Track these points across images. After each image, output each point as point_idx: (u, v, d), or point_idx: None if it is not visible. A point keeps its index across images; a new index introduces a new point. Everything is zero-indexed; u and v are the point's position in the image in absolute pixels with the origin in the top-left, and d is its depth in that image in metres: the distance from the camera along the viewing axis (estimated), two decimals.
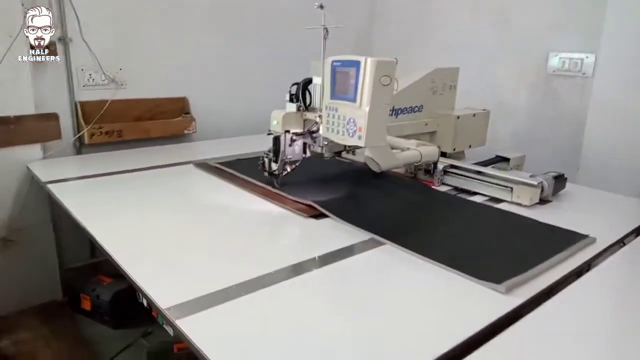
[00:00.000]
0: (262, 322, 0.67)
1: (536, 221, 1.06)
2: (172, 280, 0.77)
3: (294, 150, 1.19)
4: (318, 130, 1.17)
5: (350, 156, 1.46)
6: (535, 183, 1.16)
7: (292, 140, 1.18)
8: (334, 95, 1.08)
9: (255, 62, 2.07)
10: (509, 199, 1.19)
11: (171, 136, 1.82)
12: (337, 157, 1.26)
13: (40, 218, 1.55)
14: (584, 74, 1.74)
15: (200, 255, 0.87)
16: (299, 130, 1.20)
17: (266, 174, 1.22)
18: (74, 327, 1.51)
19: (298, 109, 1.19)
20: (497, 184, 1.22)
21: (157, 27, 1.77)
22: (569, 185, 1.29)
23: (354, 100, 1.02)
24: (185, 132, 1.85)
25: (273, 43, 2.08)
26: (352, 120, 1.04)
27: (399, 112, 1.40)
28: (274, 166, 1.19)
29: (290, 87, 1.20)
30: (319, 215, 1.05)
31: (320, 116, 1.14)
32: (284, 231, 1.04)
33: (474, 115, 1.54)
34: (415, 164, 1.29)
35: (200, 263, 0.84)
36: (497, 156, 1.48)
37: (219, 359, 0.58)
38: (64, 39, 1.56)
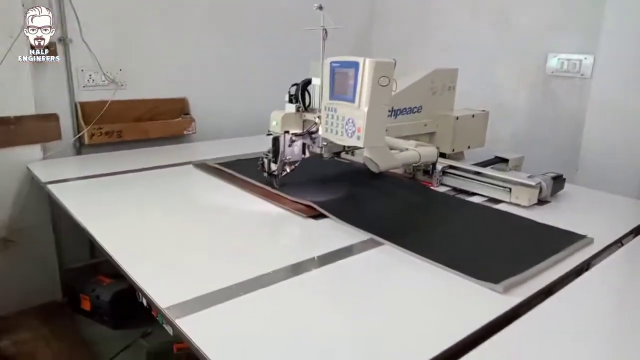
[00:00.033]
0: (261, 322, 0.67)
1: (534, 221, 1.06)
2: (172, 280, 0.77)
3: (293, 151, 1.19)
4: (317, 130, 1.17)
5: (349, 157, 1.46)
6: (534, 184, 1.17)
7: (292, 141, 1.18)
8: (332, 96, 1.08)
9: (255, 62, 2.07)
10: (507, 199, 1.20)
11: (171, 137, 1.82)
12: (336, 158, 1.27)
13: (40, 218, 1.55)
14: (582, 75, 1.75)
15: (199, 255, 0.87)
16: (298, 131, 1.20)
17: (265, 174, 1.23)
18: (73, 328, 1.51)
19: (297, 110, 1.20)
20: (495, 185, 1.22)
21: (157, 28, 1.78)
22: (567, 186, 1.29)
23: (352, 100, 1.03)
24: (185, 132, 1.85)
25: (273, 43, 2.09)
26: (350, 120, 1.04)
27: (398, 112, 1.41)
28: (274, 167, 1.20)
29: (290, 88, 1.21)
30: (318, 216, 1.05)
31: (319, 117, 1.15)
32: (283, 231, 1.04)
33: (473, 116, 1.54)
34: (414, 164, 1.29)
35: (200, 263, 0.84)
36: (496, 157, 1.49)
37: (219, 358, 0.58)
38: (64, 40, 1.57)
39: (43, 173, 1.35)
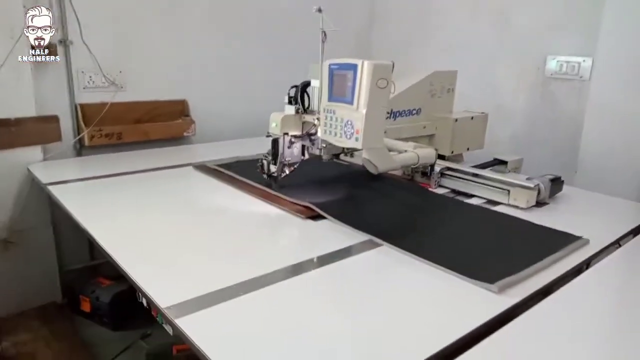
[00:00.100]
0: (261, 322, 0.67)
1: (530, 223, 1.07)
2: (172, 281, 0.78)
3: (292, 153, 1.20)
4: (316, 132, 1.18)
5: (348, 158, 1.47)
6: (532, 186, 1.17)
7: (291, 143, 1.19)
8: (331, 98, 1.09)
9: (255, 62, 2.07)
10: (505, 201, 1.20)
11: (170, 138, 1.83)
12: (335, 160, 1.28)
13: (41, 220, 1.55)
14: (581, 77, 1.75)
15: (199, 256, 0.88)
16: (298, 133, 1.21)
17: (265, 176, 1.23)
18: (73, 329, 1.51)
19: (297, 112, 1.20)
20: (494, 187, 1.23)
21: (156, 28, 1.78)
22: (566, 188, 1.30)
23: (351, 102, 1.03)
24: (185, 134, 1.86)
25: (273, 43, 2.09)
26: (349, 122, 1.05)
27: (397, 114, 1.41)
28: (273, 168, 1.20)
29: (289, 90, 1.21)
30: (317, 217, 1.06)
31: (318, 119, 1.15)
32: (283, 232, 1.05)
33: (472, 118, 1.55)
34: (412, 166, 1.29)
35: (200, 264, 0.85)
36: (495, 159, 1.49)
37: (218, 357, 0.58)
38: (64, 42, 1.57)
39: (43, 174, 1.36)
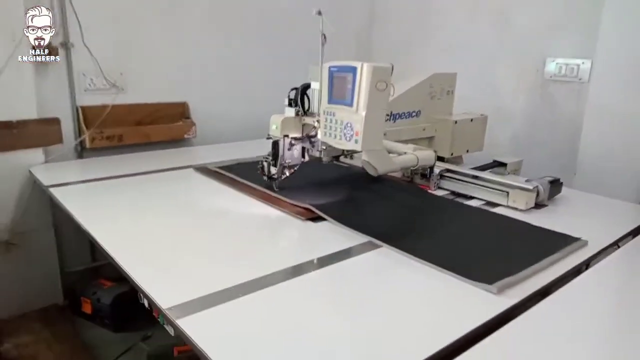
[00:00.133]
0: (261, 322, 0.68)
1: (529, 224, 1.07)
2: (173, 282, 0.78)
3: (292, 155, 1.21)
4: (316, 134, 1.18)
5: (348, 160, 1.47)
6: (531, 187, 1.18)
7: (291, 145, 1.20)
8: (331, 100, 1.09)
9: (255, 63, 2.08)
10: (505, 203, 1.20)
11: (171, 141, 1.84)
12: (335, 162, 1.28)
13: (42, 222, 1.56)
14: (580, 79, 1.76)
15: (200, 258, 0.88)
16: (298, 135, 1.21)
17: (265, 178, 1.24)
18: (74, 331, 1.52)
19: (297, 114, 1.21)
20: (493, 189, 1.23)
21: (157, 29, 1.79)
22: (565, 190, 1.30)
23: (350, 105, 1.04)
24: (185, 136, 1.86)
25: (273, 44, 2.10)
26: (349, 124, 1.05)
27: (397, 117, 1.42)
28: (273, 170, 1.21)
29: (289, 92, 1.22)
30: (317, 219, 1.06)
31: (318, 121, 1.16)
32: (283, 234, 1.05)
33: (472, 120, 1.55)
34: (412, 168, 1.30)
35: (201, 265, 0.85)
36: (495, 161, 1.50)
37: (219, 357, 0.59)
38: (65, 44, 1.58)
39: (45, 176, 1.37)
